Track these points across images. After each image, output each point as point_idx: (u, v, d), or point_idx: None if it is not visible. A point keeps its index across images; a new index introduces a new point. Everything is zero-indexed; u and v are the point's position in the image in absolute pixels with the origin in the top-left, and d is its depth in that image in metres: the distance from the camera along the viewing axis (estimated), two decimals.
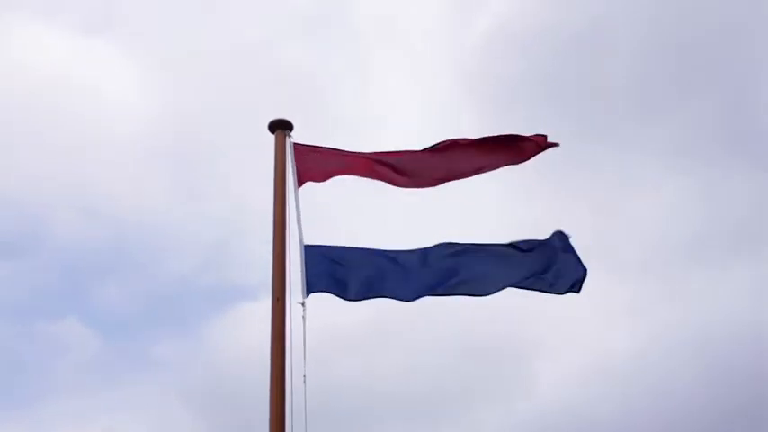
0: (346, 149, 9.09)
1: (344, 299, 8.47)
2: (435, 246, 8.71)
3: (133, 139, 27.84)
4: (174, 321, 28.13)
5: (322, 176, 8.93)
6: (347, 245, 8.66)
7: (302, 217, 8.55)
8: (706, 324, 22.60)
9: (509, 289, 8.73)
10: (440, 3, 29.28)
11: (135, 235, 28.18)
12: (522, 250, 8.72)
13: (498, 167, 9.07)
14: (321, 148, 9.04)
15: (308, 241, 8.46)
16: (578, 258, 8.67)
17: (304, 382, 7.75)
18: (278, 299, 8.15)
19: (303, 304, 8.14)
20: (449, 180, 9.07)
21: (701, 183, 26.32)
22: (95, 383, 26.29)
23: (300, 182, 8.75)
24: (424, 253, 8.69)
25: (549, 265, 8.65)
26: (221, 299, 26.72)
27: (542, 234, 8.77)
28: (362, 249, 8.67)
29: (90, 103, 28.43)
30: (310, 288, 8.23)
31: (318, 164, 8.92)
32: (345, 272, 8.50)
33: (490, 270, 8.68)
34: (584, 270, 8.64)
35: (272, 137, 9.02)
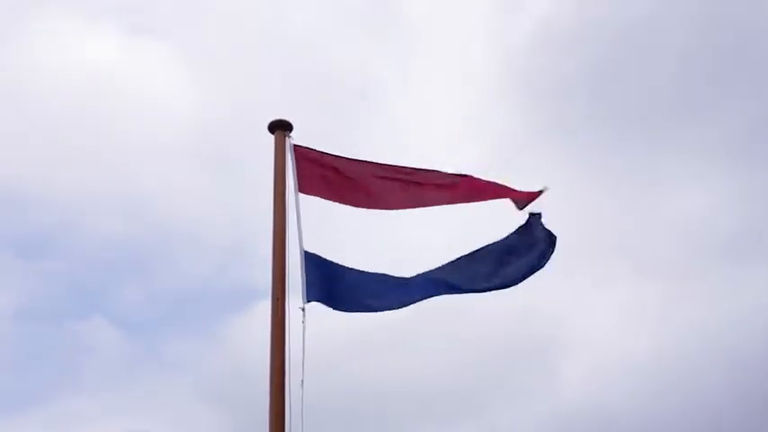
0: (348, 158, 8.90)
1: (339, 310, 8.38)
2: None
3: (169, 140, 27.92)
4: (194, 321, 28.28)
5: (319, 194, 8.79)
6: (344, 264, 8.52)
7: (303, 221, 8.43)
8: (732, 324, 22.44)
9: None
10: (484, 2, 29.07)
11: (161, 234, 28.37)
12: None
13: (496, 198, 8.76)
14: (322, 155, 8.89)
15: (308, 247, 8.32)
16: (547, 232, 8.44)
17: (301, 386, 7.65)
18: (278, 298, 8.05)
19: (303, 309, 8.03)
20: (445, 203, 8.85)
21: (738, 183, 26.05)
22: (117, 382, 26.35)
23: (299, 190, 8.64)
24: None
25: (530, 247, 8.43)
26: (242, 298, 26.85)
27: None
28: (358, 271, 8.54)
29: (132, 104, 28.39)
30: (309, 297, 8.11)
31: (318, 179, 8.80)
32: (341, 287, 8.39)
33: (480, 269, 8.53)
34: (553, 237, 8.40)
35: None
